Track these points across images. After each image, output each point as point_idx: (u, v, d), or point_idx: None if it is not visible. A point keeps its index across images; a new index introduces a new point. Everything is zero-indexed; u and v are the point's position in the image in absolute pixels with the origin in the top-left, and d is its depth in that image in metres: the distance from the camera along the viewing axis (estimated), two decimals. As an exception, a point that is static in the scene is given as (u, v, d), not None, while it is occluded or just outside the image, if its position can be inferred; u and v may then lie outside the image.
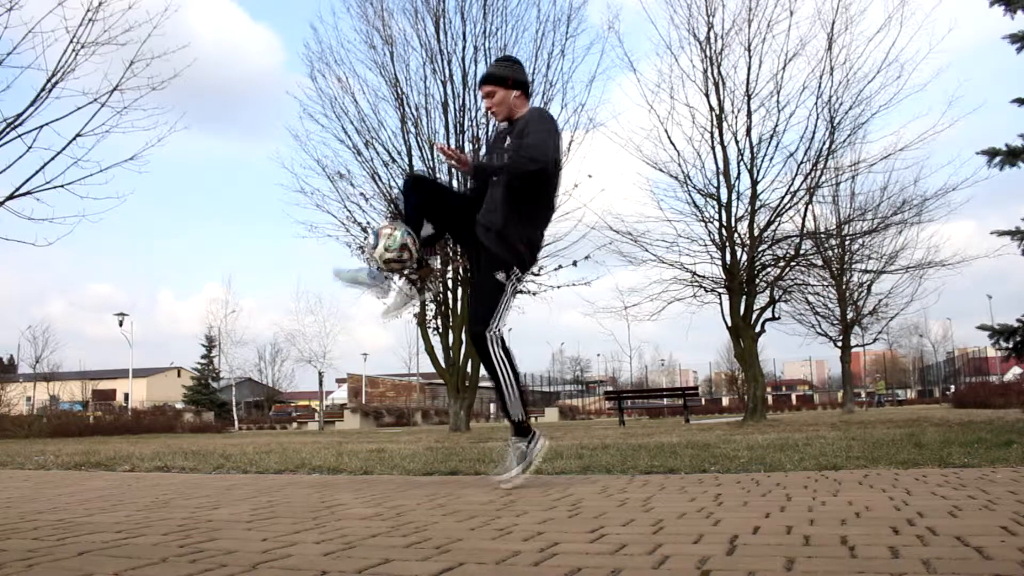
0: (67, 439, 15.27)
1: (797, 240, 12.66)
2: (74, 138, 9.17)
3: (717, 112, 12.23)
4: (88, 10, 9.05)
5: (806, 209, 12.76)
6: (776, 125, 12.11)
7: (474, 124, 13.28)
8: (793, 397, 51.16)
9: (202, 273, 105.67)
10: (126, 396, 40.94)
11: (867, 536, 1.66)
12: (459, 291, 13.43)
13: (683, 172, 12.44)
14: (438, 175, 13.30)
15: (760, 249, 12.35)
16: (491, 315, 3.06)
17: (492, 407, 34.92)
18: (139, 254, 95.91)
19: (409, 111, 13.49)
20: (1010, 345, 8.76)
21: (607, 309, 13.93)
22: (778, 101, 12.01)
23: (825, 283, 19.71)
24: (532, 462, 3.09)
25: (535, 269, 13.44)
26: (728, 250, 12.29)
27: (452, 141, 13.15)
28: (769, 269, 12.72)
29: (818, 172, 12.26)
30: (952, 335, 53.50)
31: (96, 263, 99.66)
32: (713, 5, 12.10)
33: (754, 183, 12.29)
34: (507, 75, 3.22)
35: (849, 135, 12.22)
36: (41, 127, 9.07)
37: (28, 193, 9.10)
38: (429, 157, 13.46)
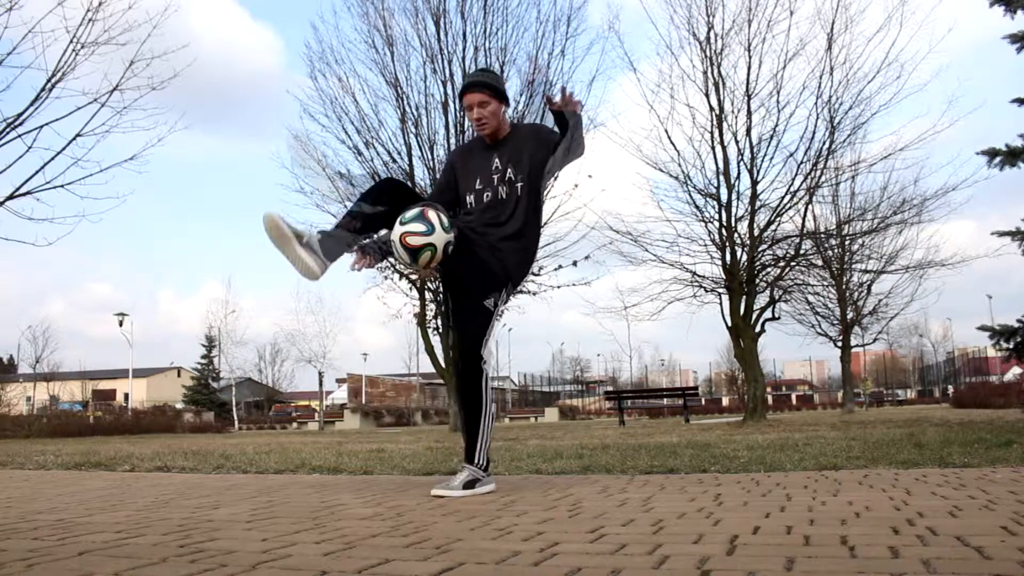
0: (67, 439, 15.27)
1: (797, 240, 12.66)
2: (74, 138, 9.20)
3: (717, 112, 12.22)
4: (88, 10, 9.08)
5: (806, 209, 12.77)
6: (776, 125, 12.10)
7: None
8: (793, 397, 51.17)
9: (202, 273, 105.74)
10: (126, 396, 40.95)
11: (867, 536, 1.66)
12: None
13: (683, 172, 12.44)
14: (437, 174, 13.32)
15: (760, 249, 12.35)
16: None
17: (492, 407, 34.82)
18: (139, 254, 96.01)
19: (409, 111, 13.51)
20: (1010, 345, 8.76)
21: (607, 309, 13.97)
22: (778, 101, 12.00)
23: (825, 283, 19.73)
24: (473, 492, 2.86)
25: (535, 268, 13.46)
26: (728, 250, 12.28)
27: (452, 141, 13.16)
28: (769, 269, 12.72)
29: (818, 172, 12.25)
30: (952, 335, 53.66)
31: (96, 263, 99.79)
32: (713, 5, 12.10)
33: (754, 183, 12.29)
34: (501, 88, 2.97)
35: (849, 135, 12.22)
36: (41, 127, 9.10)
37: (28, 193, 9.13)
38: (429, 157, 13.47)
